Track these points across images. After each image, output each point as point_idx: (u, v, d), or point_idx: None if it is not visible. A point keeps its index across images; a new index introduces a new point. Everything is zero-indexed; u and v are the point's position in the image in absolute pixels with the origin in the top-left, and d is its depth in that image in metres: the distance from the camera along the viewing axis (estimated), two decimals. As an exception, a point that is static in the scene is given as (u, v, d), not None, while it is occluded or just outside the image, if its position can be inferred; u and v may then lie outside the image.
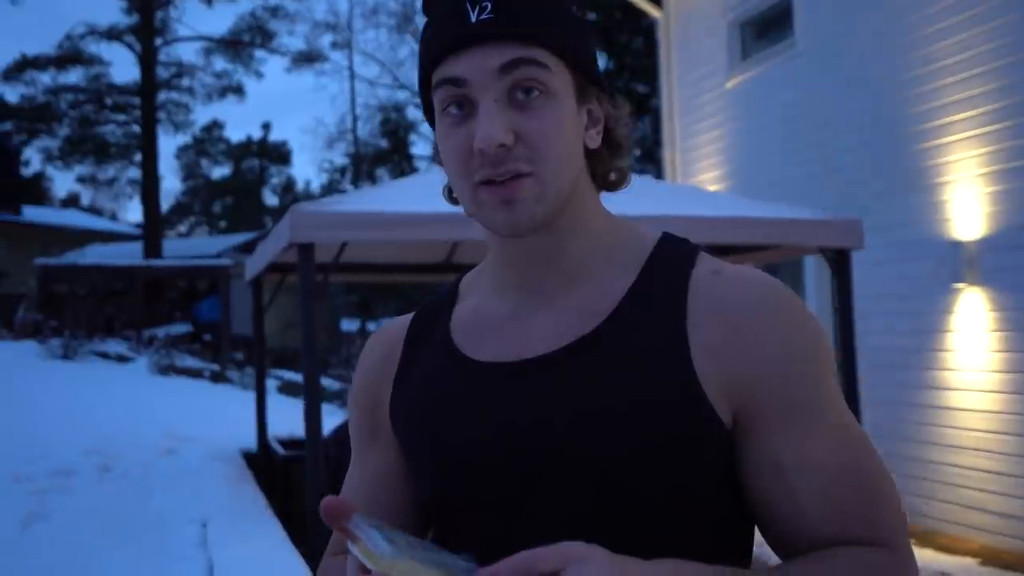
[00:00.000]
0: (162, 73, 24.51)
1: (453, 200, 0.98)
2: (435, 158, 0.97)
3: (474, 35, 0.84)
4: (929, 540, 5.96)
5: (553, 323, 0.90)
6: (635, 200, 5.06)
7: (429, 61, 0.87)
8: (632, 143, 0.97)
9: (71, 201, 41.33)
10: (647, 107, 20.21)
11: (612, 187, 0.96)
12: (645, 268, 0.91)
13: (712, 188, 8.99)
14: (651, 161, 20.66)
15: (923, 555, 5.73)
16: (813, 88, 7.59)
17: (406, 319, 1.03)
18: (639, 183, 6.54)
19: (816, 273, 7.40)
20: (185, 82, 25.91)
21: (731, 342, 0.84)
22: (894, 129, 6.60)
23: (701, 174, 9.56)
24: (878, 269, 6.52)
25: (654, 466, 0.83)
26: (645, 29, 18.27)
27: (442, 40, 0.86)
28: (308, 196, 39.94)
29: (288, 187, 44.90)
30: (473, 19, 0.84)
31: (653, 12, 10.26)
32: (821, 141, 7.46)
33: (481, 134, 0.83)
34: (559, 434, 0.85)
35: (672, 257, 0.92)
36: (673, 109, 10.21)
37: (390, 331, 1.03)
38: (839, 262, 5.52)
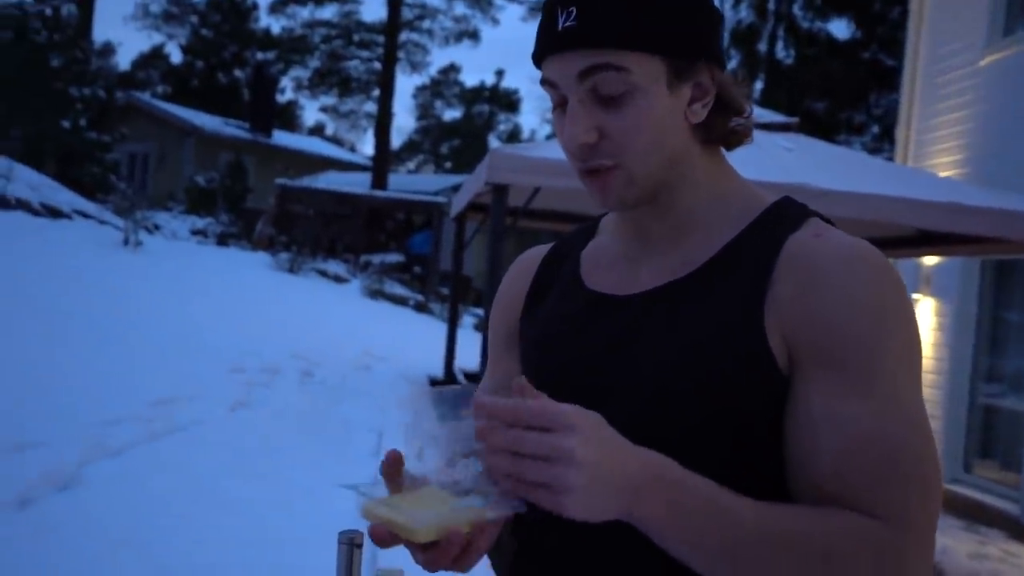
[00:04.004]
0: (407, 14, 25.74)
1: None
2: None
3: (557, 43, 0.90)
4: None
5: (657, 267, 0.96)
6: (833, 175, 4.79)
7: (535, 61, 0.95)
8: (750, 102, 0.98)
9: (317, 130, 44.52)
10: (892, 82, 18.86)
11: (730, 146, 0.99)
12: (750, 226, 0.94)
13: (946, 174, 8.29)
14: (890, 140, 19.34)
15: None
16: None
17: (548, 246, 1.13)
18: (840, 154, 6.12)
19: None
20: (426, 24, 27.10)
21: (802, 295, 0.86)
22: None
23: (936, 158, 8.82)
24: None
25: (708, 404, 0.87)
26: (901, -3, 16.93)
27: (537, 44, 0.93)
28: (530, 145, 40.52)
29: (514, 134, 45.95)
30: (560, 26, 0.89)
31: (907, -23, 9.52)
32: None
33: (566, 134, 0.91)
34: (628, 364, 0.92)
35: (779, 218, 0.94)
36: (915, 85, 9.45)
37: (531, 255, 1.12)
38: (1074, 266, 4.97)
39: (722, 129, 0.96)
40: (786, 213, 0.94)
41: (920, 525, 0.81)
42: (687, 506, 0.78)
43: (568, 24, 0.88)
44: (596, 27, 0.88)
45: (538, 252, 1.12)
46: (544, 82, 0.93)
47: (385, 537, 0.77)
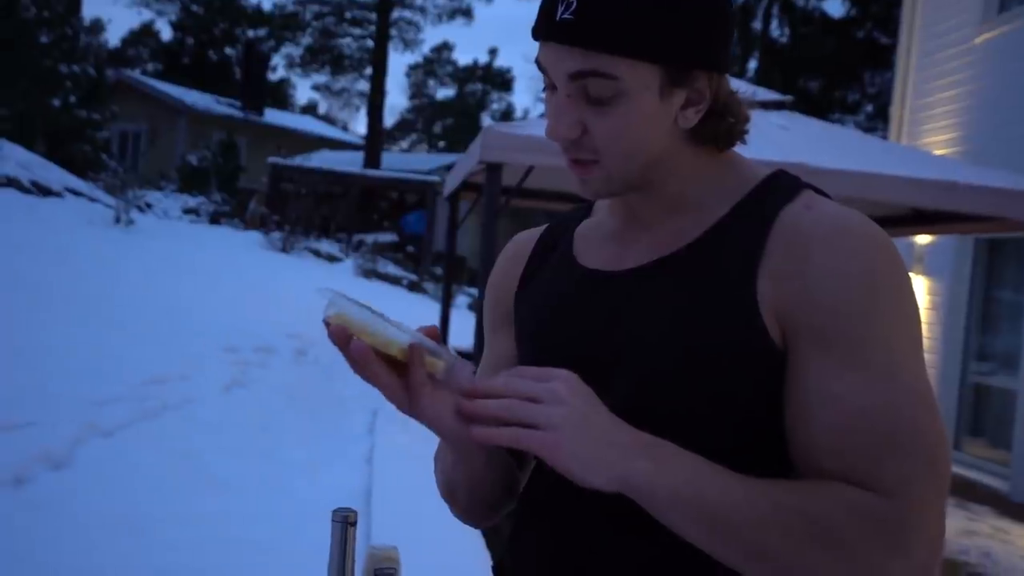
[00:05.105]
0: (399, -9, 25.50)
1: None
2: None
3: (552, 33, 0.88)
4: None
5: (649, 243, 0.96)
6: (828, 153, 4.78)
7: (533, 35, 0.94)
8: (743, 106, 0.95)
9: (309, 109, 44.19)
10: (887, 60, 18.80)
11: (722, 149, 0.97)
12: (742, 200, 0.93)
13: (940, 153, 8.28)
14: (884, 118, 19.33)
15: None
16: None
17: (543, 227, 1.13)
18: (834, 132, 6.10)
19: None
20: (419, 1, 26.87)
21: (794, 268, 0.85)
22: None
23: (930, 136, 8.81)
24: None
25: (700, 379, 0.87)
26: (896, -26, 16.84)
27: (536, 22, 0.91)
28: (523, 124, 40.32)
29: (507, 113, 45.68)
30: (558, 15, 0.86)
31: (902, -46, 9.47)
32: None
33: (548, 124, 0.90)
34: (621, 338, 0.92)
35: (772, 191, 0.93)
36: (910, 63, 9.42)
37: (526, 236, 1.12)
38: (1066, 244, 4.98)
39: (715, 132, 0.94)
40: (778, 186, 0.93)
41: (922, 498, 0.78)
42: (676, 462, 0.80)
43: (566, 16, 0.86)
44: (592, 27, 0.85)
45: (533, 233, 1.12)
46: (538, 62, 0.91)
47: (337, 332, 0.84)
